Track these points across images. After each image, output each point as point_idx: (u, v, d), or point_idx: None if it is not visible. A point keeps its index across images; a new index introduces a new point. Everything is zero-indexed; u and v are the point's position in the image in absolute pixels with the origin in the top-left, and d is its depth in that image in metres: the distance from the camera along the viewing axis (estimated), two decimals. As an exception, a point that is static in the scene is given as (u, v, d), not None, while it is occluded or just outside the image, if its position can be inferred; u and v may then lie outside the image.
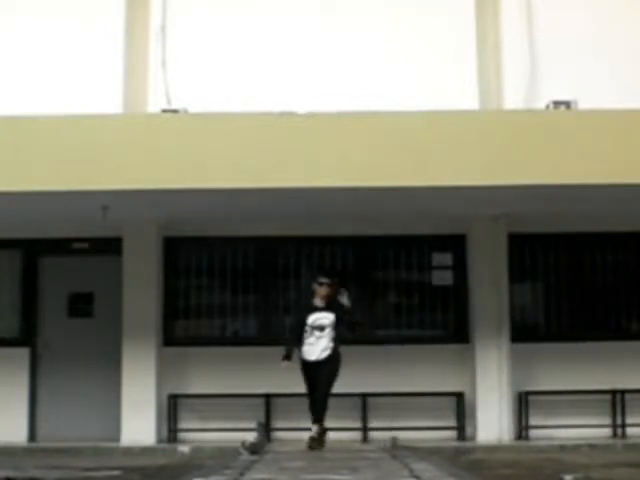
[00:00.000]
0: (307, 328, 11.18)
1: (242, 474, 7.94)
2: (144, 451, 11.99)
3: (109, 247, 12.96)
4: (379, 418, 12.76)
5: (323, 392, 11.12)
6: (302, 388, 11.25)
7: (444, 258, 13.37)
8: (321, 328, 11.14)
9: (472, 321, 12.95)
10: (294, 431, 12.13)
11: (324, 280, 11.42)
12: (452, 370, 12.91)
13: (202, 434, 12.59)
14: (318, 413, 11.06)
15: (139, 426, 12.49)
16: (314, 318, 11.21)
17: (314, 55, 12.88)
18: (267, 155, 10.54)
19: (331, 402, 11.13)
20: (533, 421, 12.76)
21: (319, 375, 11.13)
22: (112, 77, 12.75)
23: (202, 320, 13.38)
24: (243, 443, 10.76)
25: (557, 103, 11.40)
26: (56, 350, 13.02)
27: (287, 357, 11.19)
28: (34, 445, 12.59)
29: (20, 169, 10.55)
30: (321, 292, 11.29)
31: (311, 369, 11.14)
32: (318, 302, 11.29)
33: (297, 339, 11.25)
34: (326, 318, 11.21)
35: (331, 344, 11.16)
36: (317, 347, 11.14)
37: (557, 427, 12.58)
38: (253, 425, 11.83)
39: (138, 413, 12.50)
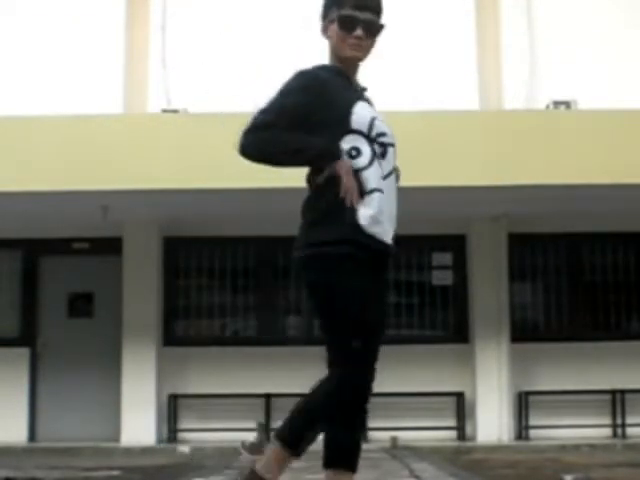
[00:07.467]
0: (351, 138, 4.23)
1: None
2: (144, 451, 11.99)
3: (109, 247, 12.96)
4: (379, 418, 12.72)
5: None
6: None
7: (444, 258, 13.37)
8: (389, 146, 4.41)
9: (472, 321, 12.95)
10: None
11: (367, 16, 4.24)
12: (452, 370, 12.91)
13: (202, 434, 12.58)
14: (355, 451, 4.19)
15: (139, 426, 12.49)
16: (370, 115, 4.35)
17: (314, 55, 12.84)
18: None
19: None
20: (533, 421, 12.75)
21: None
22: (112, 77, 12.76)
23: (202, 320, 13.37)
24: (243, 443, 10.76)
25: (557, 103, 11.43)
26: (56, 350, 13.01)
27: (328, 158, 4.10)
28: (34, 445, 12.59)
29: (20, 169, 10.56)
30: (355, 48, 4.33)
31: (378, 278, 4.25)
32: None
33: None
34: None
35: None
36: (391, 207, 4.34)
37: (557, 427, 12.57)
38: (253, 425, 11.85)
39: (138, 413, 12.50)
